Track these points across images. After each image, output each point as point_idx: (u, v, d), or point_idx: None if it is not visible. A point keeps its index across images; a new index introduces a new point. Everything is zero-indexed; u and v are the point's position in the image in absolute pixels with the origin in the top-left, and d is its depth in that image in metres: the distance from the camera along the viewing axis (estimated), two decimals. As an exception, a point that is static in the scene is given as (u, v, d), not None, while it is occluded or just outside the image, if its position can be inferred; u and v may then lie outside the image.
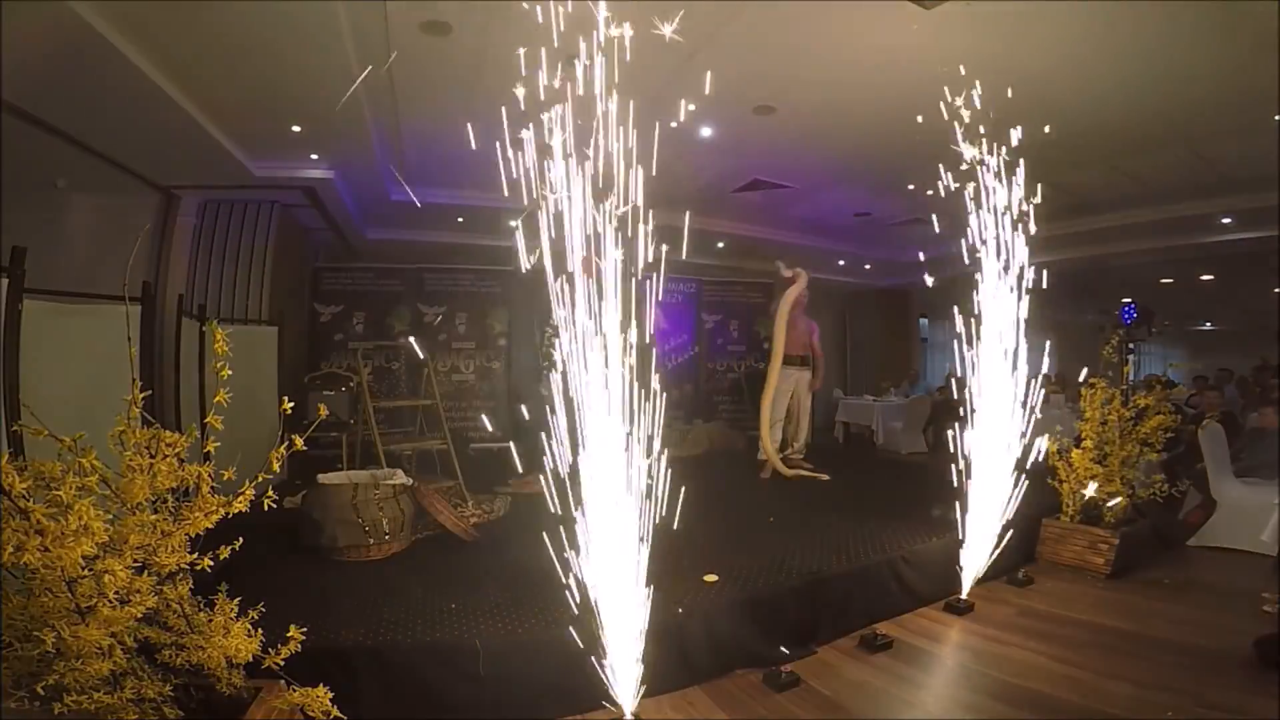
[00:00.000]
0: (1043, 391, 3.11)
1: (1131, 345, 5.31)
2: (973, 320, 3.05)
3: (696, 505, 2.13)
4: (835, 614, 2.81)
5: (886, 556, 3.12)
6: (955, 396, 3.15)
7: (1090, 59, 3.76)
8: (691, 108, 2.17)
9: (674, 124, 2.08)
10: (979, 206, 3.05)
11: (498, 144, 1.90)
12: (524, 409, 2.23)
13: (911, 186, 6.19)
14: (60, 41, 3.10)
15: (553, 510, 1.98)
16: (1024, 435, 3.12)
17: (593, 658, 2.02)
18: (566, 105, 1.88)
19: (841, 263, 9.96)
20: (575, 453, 1.96)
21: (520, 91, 1.89)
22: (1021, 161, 3.03)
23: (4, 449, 1.89)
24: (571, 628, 2.06)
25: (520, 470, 2.10)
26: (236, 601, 1.64)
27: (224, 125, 4.48)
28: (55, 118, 3.99)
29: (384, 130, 4.90)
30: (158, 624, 1.52)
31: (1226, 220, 6.61)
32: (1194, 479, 4.49)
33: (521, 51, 1.90)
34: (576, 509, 1.97)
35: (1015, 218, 3.06)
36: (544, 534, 2.00)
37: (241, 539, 1.61)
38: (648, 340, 1.95)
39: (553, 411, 1.95)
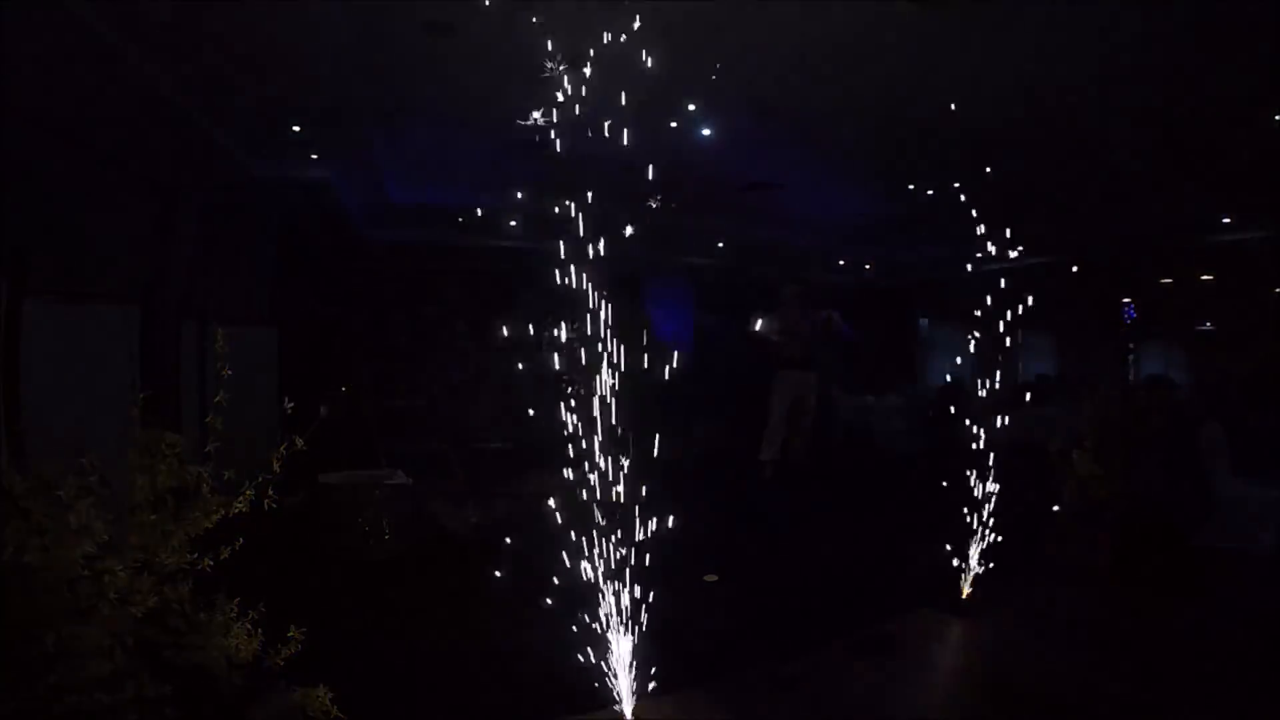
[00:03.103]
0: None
1: (1131, 345, 5.32)
2: (971, 320, 3.06)
3: (697, 506, 2.13)
4: (835, 614, 2.81)
5: (885, 556, 3.12)
6: (955, 397, 3.15)
7: (1090, 59, 3.75)
8: (691, 108, 2.18)
9: (673, 124, 2.09)
10: (977, 207, 3.06)
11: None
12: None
13: (912, 186, 6.19)
14: (60, 41, 3.10)
15: (553, 510, 1.99)
16: (1023, 435, 3.12)
17: (593, 658, 2.02)
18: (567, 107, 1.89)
19: (841, 263, 9.95)
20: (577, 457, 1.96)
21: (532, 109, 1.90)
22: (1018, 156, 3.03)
23: (4, 449, 1.89)
24: (572, 627, 2.06)
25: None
26: (236, 601, 1.64)
27: (224, 125, 4.48)
28: (55, 118, 3.98)
29: (384, 130, 4.90)
30: (158, 624, 1.52)
31: (1226, 220, 6.61)
32: (1194, 479, 4.48)
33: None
34: (577, 510, 1.97)
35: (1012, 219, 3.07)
36: (543, 534, 2.00)
37: (241, 539, 1.61)
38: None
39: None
